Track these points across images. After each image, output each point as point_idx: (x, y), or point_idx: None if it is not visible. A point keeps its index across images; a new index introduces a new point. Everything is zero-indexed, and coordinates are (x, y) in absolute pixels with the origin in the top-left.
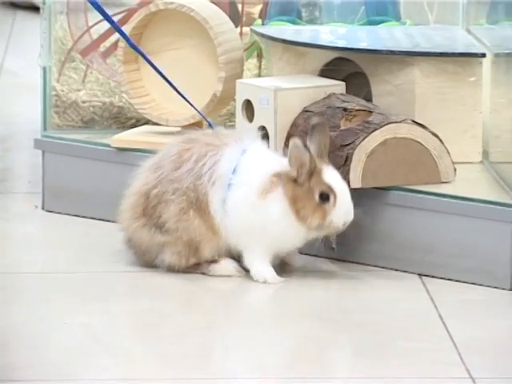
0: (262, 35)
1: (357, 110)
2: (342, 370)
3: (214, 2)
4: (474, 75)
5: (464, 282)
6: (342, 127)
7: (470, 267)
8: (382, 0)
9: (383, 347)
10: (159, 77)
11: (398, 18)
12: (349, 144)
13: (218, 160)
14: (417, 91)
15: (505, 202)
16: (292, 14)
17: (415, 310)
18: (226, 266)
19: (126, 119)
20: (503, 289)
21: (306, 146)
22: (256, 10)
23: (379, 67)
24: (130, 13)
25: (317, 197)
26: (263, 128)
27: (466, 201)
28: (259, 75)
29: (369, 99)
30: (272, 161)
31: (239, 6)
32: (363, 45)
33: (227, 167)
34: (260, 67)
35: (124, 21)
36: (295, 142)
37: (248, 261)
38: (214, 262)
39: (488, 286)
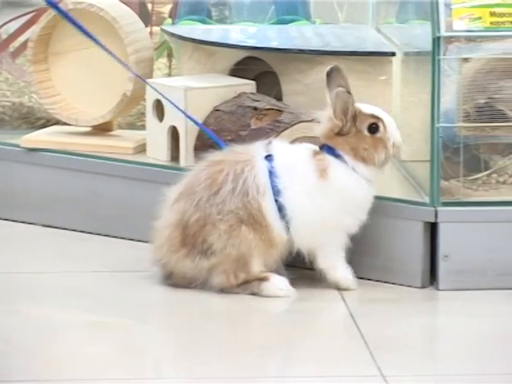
0: (172, 34)
1: (267, 109)
2: (253, 369)
3: (123, 2)
4: (384, 74)
5: (375, 281)
6: (253, 126)
7: (381, 266)
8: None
9: (294, 346)
10: (69, 76)
11: (307, 17)
12: None
13: (257, 172)
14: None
15: (415, 200)
16: (202, 14)
17: (326, 308)
18: (279, 285)
19: (35, 119)
20: (414, 287)
21: (348, 92)
22: (166, 9)
23: (289, 66)
24: (40, 13)
25: (367, 132)
26: (173, 127)
27: (377, 199)
28: (169, 75)
29: (279, 98)
30: (298, 147)
31: (149, 6)
32: (273, 44)
33: (267, 176)
34: (170, 67)
35: (33, 21)
36: (339, 91)
37: (326, 263)
38: (264, 279)
39: (399, 285)
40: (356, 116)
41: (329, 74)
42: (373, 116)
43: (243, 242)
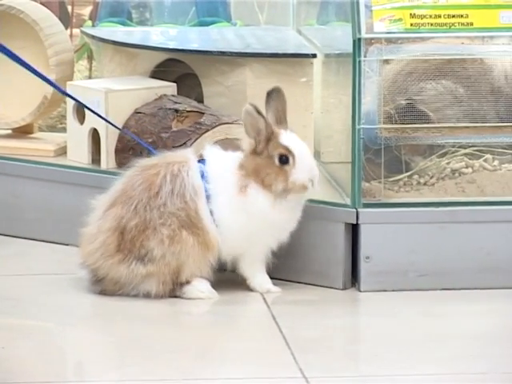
0: (93, 37)
1: (188, 112)
2: (177, 371)
3: (43, 4)
4: (305, 76)
5: (297, 282)
6: (174, 128)
7: (303, 267)
8: (212, 1)
9: (216, 348)
10: None
11: (228, 18)
12: (181, 145)
13: (193, 174)
14: (248, 92)
15: (337, 201)
16: (122, 16)
17: (248, 310)
18: (201, 287)
19: None
20: (336, 288)
21: (258, 111)
22: (86, 11)
23: (210, 68)
24: None
25: (277, 161)
26: (94, 130)
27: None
28: (90, 77)
29: (200, 100)
30: (230, 156)
31: (69, 8)
32: (194, 46)
33: (200, 179)
34: (91, 69)
35: None
36: (247, 108)
37: (246, 272)
38: (187, 283)
39: (321, 286)
40: (270, 140)
41: (269, 95)
42: (286, 148)
43: (183, 249)
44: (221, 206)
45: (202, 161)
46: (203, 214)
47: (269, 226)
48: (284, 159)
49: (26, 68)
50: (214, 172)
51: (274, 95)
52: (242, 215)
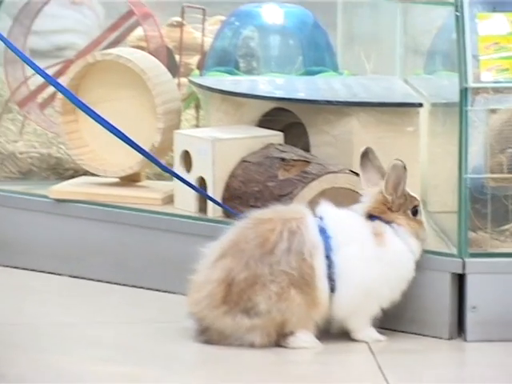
0: (200, 86)
1: (295, 161)
2: None
3: (151, 53)
4: (411, 125)
5: (404, 332)
6: (281, 177)
7: (410, 317)
8: (319, 50)
9: None
10: (98, 127)
11: (335, 68)
12: (287, 194)
13: (310, 230)
14: (355, 141)
15: (443, 251)
16: (230, 65)
17: (353, 359)
18: (305, 337)
19: (64, 170)
20: (442, 338)
21: (406, 168)
22: (194, 60)
23: (317, 117)
24: (67, 64)
25: (410, 213)
26: (201, 178)
27: None
28: (197, 126)
29: (307, 149)
30: (347, 211)
31: (177, 57)
32: (301, 95)
33: (318, 235)
34: (198, 118)
35: (62, 72)
36: (397, 164)
37: (353, 325)
38: (291, 334)
39: (427, 336)
40: (405, 195)
41: (363, 156)
42: (416, 199)
43: (289, 307)
44: (350, 257)
45: (317, 216)
46: (318, 270)
47: (400, 276)
48: (417, 210)
49: (115, 134)
50: (336, 225)
51: (370, 155)
52: (377, 265)
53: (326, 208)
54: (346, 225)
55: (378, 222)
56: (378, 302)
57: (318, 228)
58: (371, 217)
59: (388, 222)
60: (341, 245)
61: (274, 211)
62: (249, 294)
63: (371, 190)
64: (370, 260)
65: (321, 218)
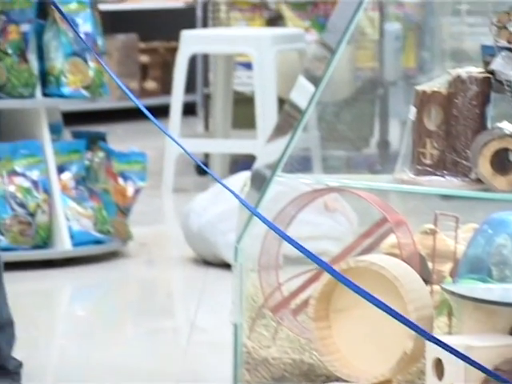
0: (452, 293)
1: None
2: None
3: (404, 260)
4: None
5: None
6: None
7: None
8: None
9: None
10: (351, 334)
11: None
12: None
13: None
14: None
15: None
16: (483, 273)
17: None
18: None
19: (315, 376)
20: None
21: None
22: (446, 267)
23: None
24: (321, 270)
25: None
26: None
27: None
28: (449, 333)
29: None
30: None
31: (429, 264)
32: None
33: None
34: (450, 325)
35: (315, 278)
36: None
37: None
38: None
39: None
40: None
41: None
42: None
43: None
44: None
45: None
46: None
47: None
48: None
49: None
50: None
51: None
52: None
53: None
54: None
55: None
56: None
57: None
58: None
59: None
60: None
61: None
62: None
63: None
64: None
65: None
